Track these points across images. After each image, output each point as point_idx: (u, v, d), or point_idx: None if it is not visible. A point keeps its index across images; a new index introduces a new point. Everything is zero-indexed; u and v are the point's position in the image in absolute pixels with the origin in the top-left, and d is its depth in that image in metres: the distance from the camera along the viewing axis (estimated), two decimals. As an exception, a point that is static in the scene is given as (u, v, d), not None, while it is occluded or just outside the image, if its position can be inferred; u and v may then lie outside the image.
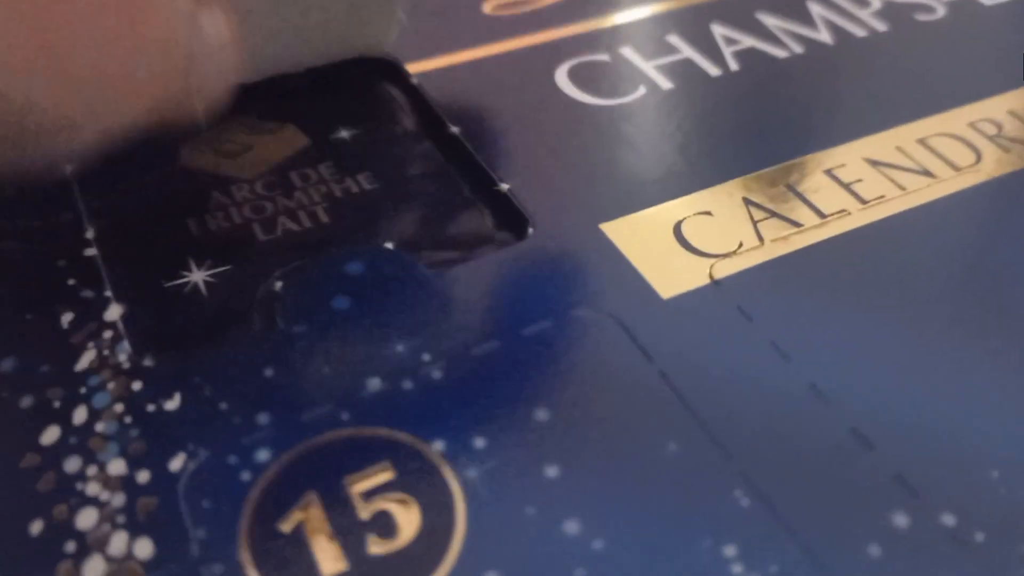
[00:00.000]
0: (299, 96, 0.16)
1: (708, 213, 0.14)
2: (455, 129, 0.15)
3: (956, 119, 0.16)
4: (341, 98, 0.16)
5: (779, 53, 0.17)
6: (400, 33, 0.16)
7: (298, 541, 0.10)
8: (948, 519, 0.10)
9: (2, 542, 0.10)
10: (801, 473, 0.10)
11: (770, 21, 0.18)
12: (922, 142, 0.15)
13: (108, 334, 0.12)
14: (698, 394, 0.11)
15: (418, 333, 0.12)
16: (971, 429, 0.11)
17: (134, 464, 0.11)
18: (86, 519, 0.10)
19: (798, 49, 0.17)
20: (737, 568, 0.10)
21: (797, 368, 0.11)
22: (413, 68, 0.16)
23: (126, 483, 0.10)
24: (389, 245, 0.13)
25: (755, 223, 0.13)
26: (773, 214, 0.14)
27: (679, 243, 0.13)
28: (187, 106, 0.12)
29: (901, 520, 0.10)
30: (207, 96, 0.12)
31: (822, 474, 0.10)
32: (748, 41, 0.17)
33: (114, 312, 0.12)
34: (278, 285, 0.12)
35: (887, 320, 0.12)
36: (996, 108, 0.16)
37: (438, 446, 0.11)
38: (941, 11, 0.18)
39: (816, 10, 0.18)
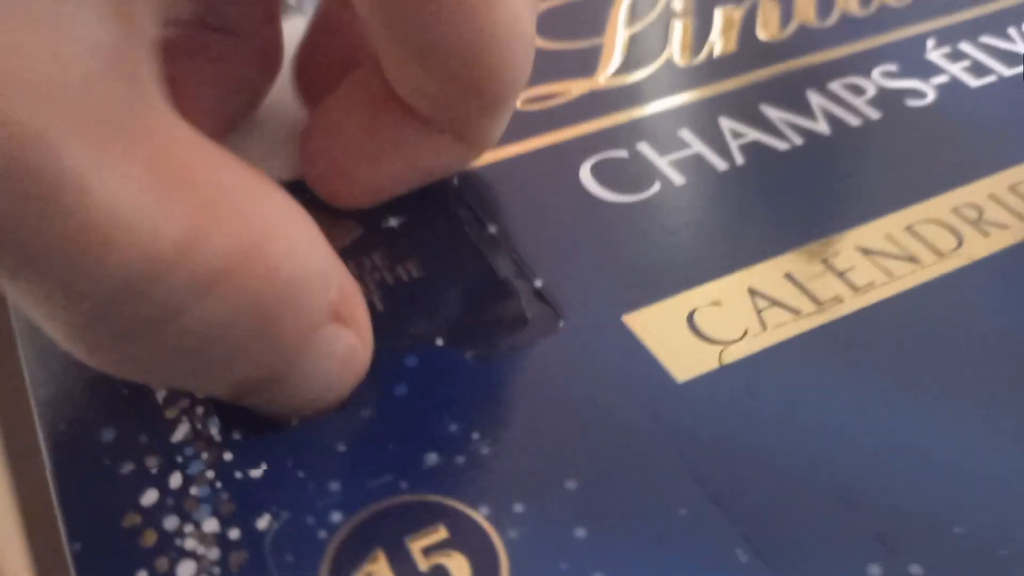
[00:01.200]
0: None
1: (718, 303, 0.15)
2: (492, 229, 0.17)
3: (941, 205, 0.18)
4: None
5: (780, 145, 0.19)
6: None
7: (369, 592, 0.12)
8: (916, 569, 0.12)
9: (114, 591, 0.12)
10: (793, 532, 0.12)
11: (772, 113, 0.20)
12: (910, 229, 0.17)
13: (200, 410, 0.14)
14: (706, 466, 0.13)
15: (468, 415, 0.14)
16: (942, 488, 0.13)
17: (226, 523, 0.12)
18: (185, 570, 0.12)
19: (798, 141, 0.19)
20: (739, 617, 0.11)
21: (794, 439, 0.13)
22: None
23: (219, 539, 0.12)
24: (440, 342, 0.15)
25: (759, 312, 0.15)
26: (774, 303, 0.15)
27: (692, 331, 0.15)
28: None
29: (876, 571, 0.12)
30: None
31: (811, 532, 0.12)
32: (753, 134, 0.19)
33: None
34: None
35: (873, 391, 0.14)
36: (978, 193, 0.18)
37: (483, 511, 0.12)
38: (931, 95, 0.20)
39: (815, 100, 0.20)
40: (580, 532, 0.12)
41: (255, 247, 0.11)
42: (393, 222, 0.17)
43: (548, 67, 0.21)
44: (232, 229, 0.10)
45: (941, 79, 0.21)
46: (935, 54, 0.22)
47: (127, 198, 0.10)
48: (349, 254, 0.17)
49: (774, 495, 0.13)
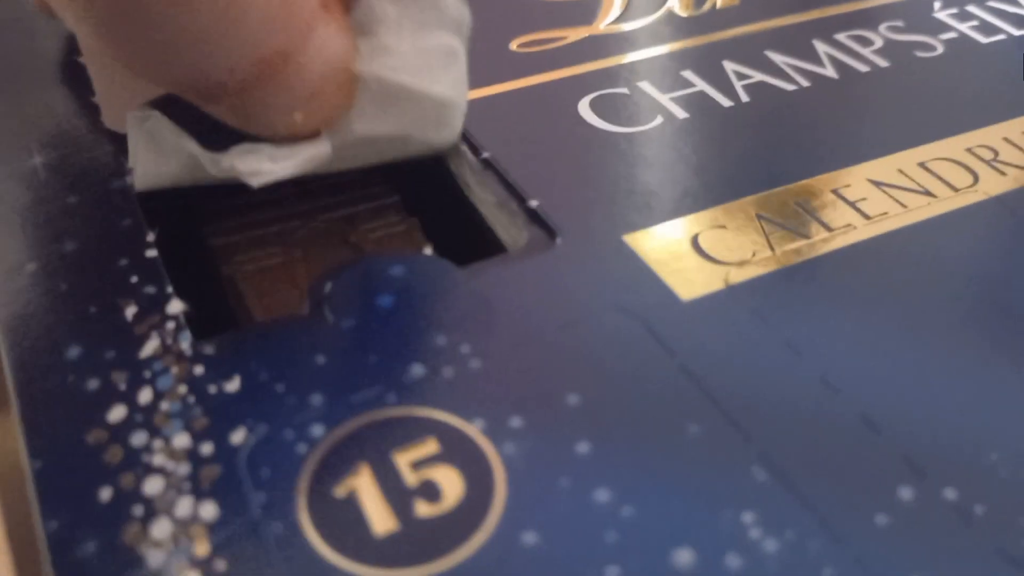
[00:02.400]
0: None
1: (723, 227, 0.15)
2: (486, 154, 0.16)
3: (955, 145, 0.17)
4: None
5: (787, 86, 0.18)
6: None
7: (352, 504, 0.11)
8: (950, 493, 0.11)
9: (72, 508, 0.11)
10: (814, 453, 0.11)
11: (778, 58, 0.19)
12: (922, 165, 0.16)
13: (170, 325, 0.13)
14: (716, 384, 0.12)
15: (457, 328, 0.13)
16: (970, 417, 0.12)
17: (198, 438, 0.11)
18: (153, 486, 0.11)
19: (805, 83, 0.18)
20: (755, 533, 0.10)
21: (808, 362, 0.12)
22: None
23: (191, 455, 0.11)
24: (427, 251, 0.14)
25: (767, 235, 0.14)
26: (784, 227, 0.15)
27: (696, 252, 0.14)
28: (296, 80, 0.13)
29: (907, 494, 0.11)
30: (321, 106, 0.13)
31: (834, 454, 0.11)
32: (758, 76, 0.18)
33: (176, 306, 0.13)
34: (327, 286, 0.13)
35: (892, 321, 0.13)
36: (993, 135, 0.17)
37: (478, 424, 0.11)
38: (940, 48, 0.20)
39: (822, 48, 0.20)
40: (583, 447, 0.11)
41: None
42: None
43: (545, 16, 0.20)
44: None
45: (950, 35, 0.21)
46: (942, 14, 0.22)
47: None
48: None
49: (791, 415, 0.12)
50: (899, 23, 0.21)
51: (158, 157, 0.14)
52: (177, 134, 0.14)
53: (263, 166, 0.13)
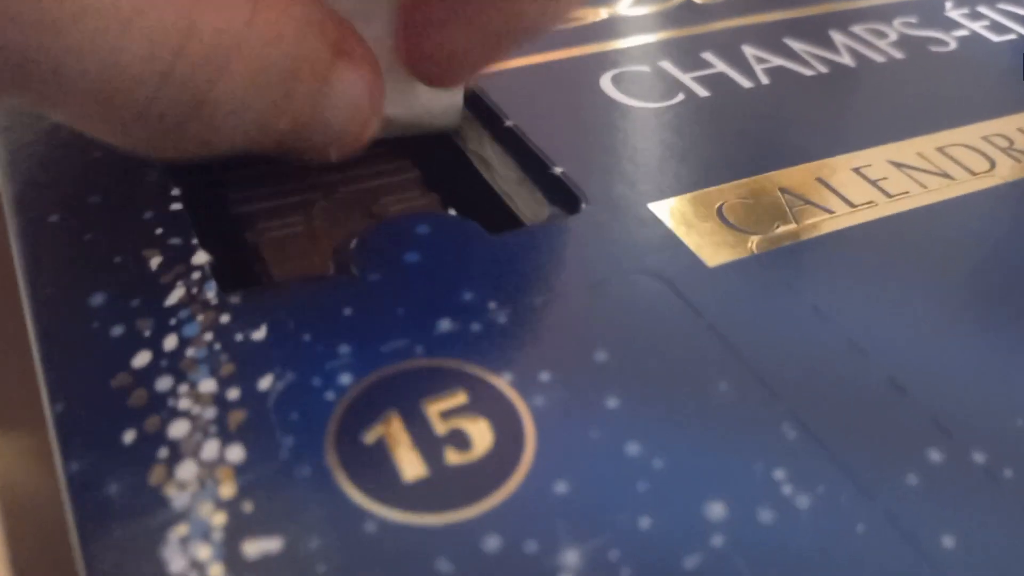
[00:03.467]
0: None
1: (747, 199, 0.15)
2: (510, 122, 0.16)
3: (971, 133, 0.17)
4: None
5: (806, 72, 0.18)
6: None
7: (381, 450, 0.11)
8: (979, 456, 0.11)
9: (96, 449, 0.11)
10: (844, 413, 0.11)
11: (796, 45, 0.19)
12: (941, 150, 0.16)
13: (196, 275, 0.13)
14: (745, 344, 0.12)
15: (484, 284, 0.13)
16: (997, 383, 0.12)
17: (224, 384, 0.11)
18: (178, 429, 0.11)
19: (823, 69, 0.18)
20: (787, 489, 0.10)
21: (835, 326, 0.12)
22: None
23: (217, 399, 0.11)
24: (452, 211, 0.14)
25: (791, 209, 0.14)
26: (807, 202, 0.15)
27: (722, 222, 0.14)
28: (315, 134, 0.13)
29: (936, 455, 0.11)
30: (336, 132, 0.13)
31: (863, 414, 0.11)
32: (777, 60, 0.18)
33: (201, 257, 0.13)
34: (353, 243, 0.13)
35: (916, 291, 0.13)
36: (1007, 126, 0.17)
37: (507, 377, 0.11)
38: (953, 44, 0.20)
39: (838, 39, 0.20)
40: (612, 402, 0.11)
41: (248, 27, 0.11)
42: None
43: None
44: (220, 18, 0.11)
45: (962, 32, 0.21)
46: (954, 13, 0.22)
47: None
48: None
49: (819, 375, 0.12)
50: (912, 19, 0.21)
51: None
52: None
53: None
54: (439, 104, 0.15)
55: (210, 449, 0.11)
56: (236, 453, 0.11)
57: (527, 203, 0.15)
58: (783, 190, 0.15)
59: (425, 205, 0.16)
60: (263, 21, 0.11)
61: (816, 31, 0.20)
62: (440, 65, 0.14)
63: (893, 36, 0.20)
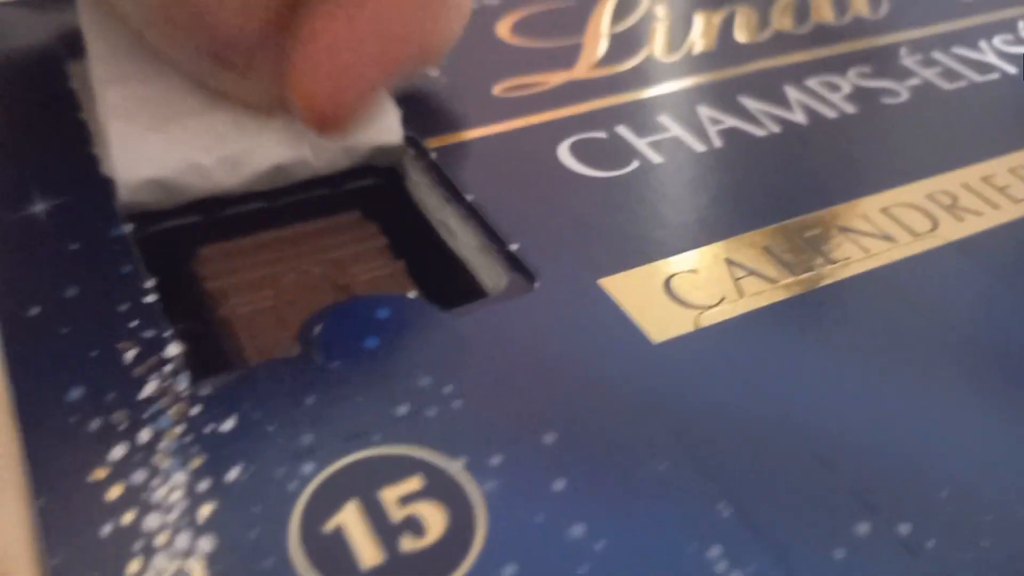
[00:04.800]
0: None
1: (694, 271, 0.15)
2: (469, 197, 0.17)
3: (916, 191, 0.18)
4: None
5: (758, 132, 0.19)
6: (416, 115, 0.18)
7: (340, 539, 0.11)
8: (904, 528, 0.12)
9: (77, 543, 0.11)
10: (776, 490, 0.12)
11: (750, 104, 0.20)
12: (885, 211, 0.17)
13: (168, 367, 0.13)
14: (684, 424, 0.13)
15: (440, 368, 0.13)
16: (923, 453, 0.13)
17: (195, 476, 0.12)
18: (152, 522, 0.12)
19: (775, 128, 0.19)
20: (720, 567, 0.11)
21: (771, 401, 0.13)
22: (431, 144, 0.18)
23: (188, 490, 0.12)
24: (412, 294, 0.15)
25: (736, 280, 0.15)
26: (751, 272, 0.15)
27: (668, 296, 0.15)
28: None
29: (863, 528, 0.12)
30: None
31: (794, 491, 0.12)
32: (731, 121, 0.19)
33: (173, 349, 0.14)
34: (316, 328, 0.14)
35: (849, 359, 0.14)
36: (951, 181, 0.18)
37: (460, 462, 0.12)
38: (905, 95, 0.21)
39: (792, 95, 0.20)
40: (559, 484, 0.12)
41: None
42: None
43: (525, 62, 0.21)
44: None
45: (914, 81, 0.22)
46: (909, 60, 0.22)
47: None
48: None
49: (753, 454, 0.12)
50: (867, 69, 0.22)
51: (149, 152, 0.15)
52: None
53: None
54: (374, 124, 0.17)
55: (182, 541, 0.11)
56: (207, 544, 0.11)
57: (487, 272, 0.16)
58: (729, 261, 0.16)
59: (392, 273, 0.17)
60: None
61: (771, 87, 0.21)
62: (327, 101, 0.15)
63: (847, 88, 0.21)
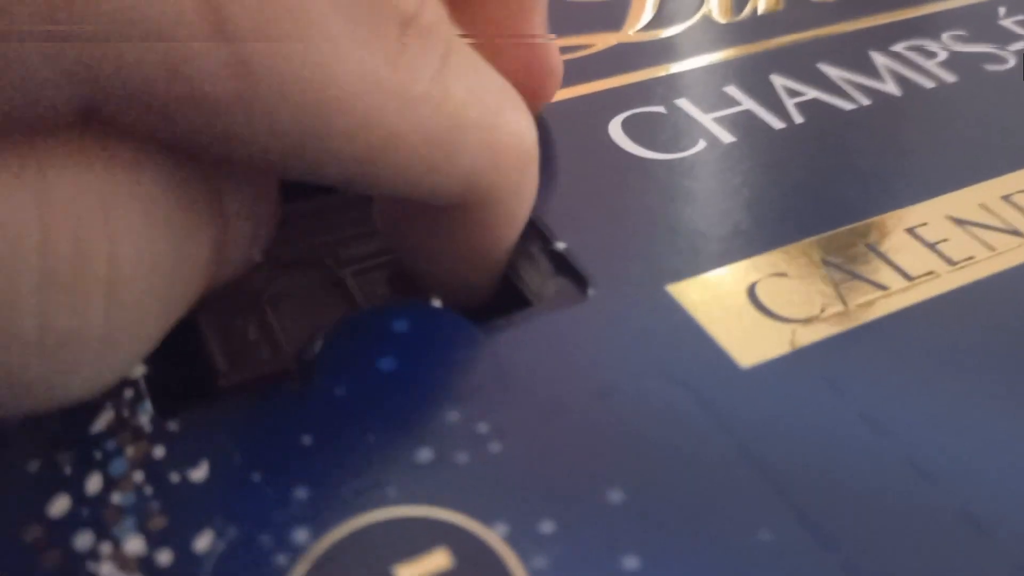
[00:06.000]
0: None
1: (784, 275, 0.12)
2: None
3: (1040, 177, 0.15)
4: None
5: (845, 105, 0.16)
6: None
7: (341, 638, 0.09)
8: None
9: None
10: (912, 562, 0.09)
11: (833, 72, 0.17)
12: (1007, 199, 0.14)
13: (129, 393, 0.11)
14: (786, 473, 0.10)
15: (472, 400, 0.10)
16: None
17: (154, 543, 0.09)
18: (97, 606, 0.09)
19: (865, 101, 0.16)
20: None
21: (894, 443, 0.10)
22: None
23: (144, 565, 0.09)
24: (437, 302, 0.12)
25: (837, 286, 0.12)
26: (855, 276, 0.12)
27: (754, 306, 0.12)
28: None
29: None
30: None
31: (936, 563, 0.09)
32: (811, 92, 0.16)
33: (136, 369, 0.11)
34: (318, 344, 0.11)
35: (991, 390, 0.11)
36: (1082, 166, 0.15)
37: (500, 529, 0.09)
38: (1011, 61, 0.18)
39: (880, 61, 0.17)
40: (631, 561, 0.09)
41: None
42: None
43: (570, 19, 0.18)
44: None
45: (1020, 45, 0.18)
46: (1008, 21, 0.19)
47: None
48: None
49: (883, 516, 0.10)
50: (962, 32, 0.19)
51: None
52: None
53: None
54: None
55: (133, 634, 0.09)
56: (164, 642, 0.09)
57: (529, 275, 0.13)
58: (826, 261, 0.13)
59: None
60: None
61: (853, 52, 0.18)
62: None
63: (942, 55, 0.18)
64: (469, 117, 0.10)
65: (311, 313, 0.13)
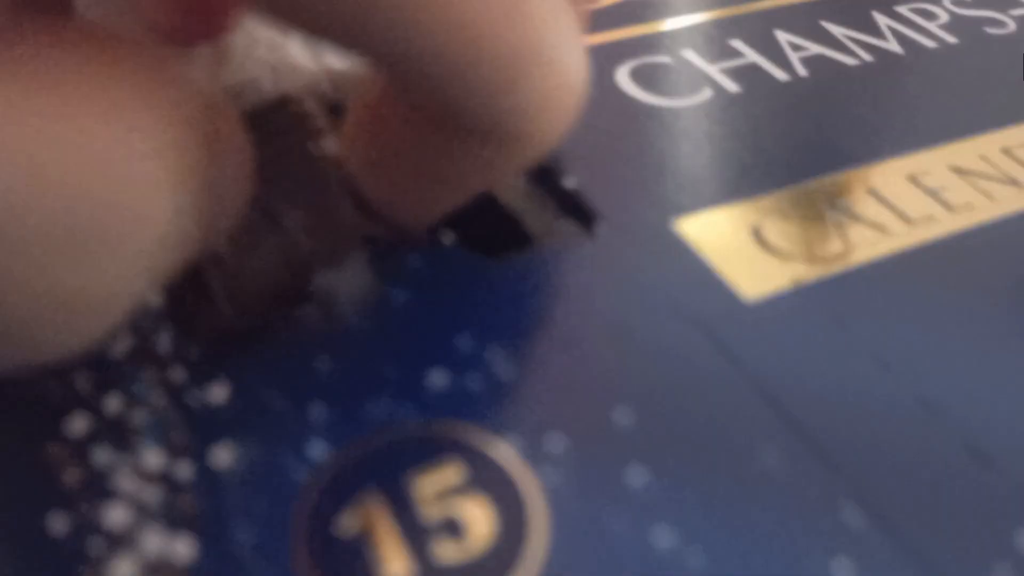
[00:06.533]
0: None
1: (788, 216, 0.13)
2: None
3: (1039, 130, 0.15)
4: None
5: (848, 60, 0.16)
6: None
7: (358, 545, 0.09)
8: (1081, 541, 0.09)
9: (20, 540, 0.09)
10: (916, 489, 0.09)
11: (836, 29, 0.17)
12: (1007, 152, 0.14)
13: (146, 320, 0.11)
14: (794, 401, 0.10)
15: (484, 327, 0.11)
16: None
17: (174, 457, 0.09)
18: (116, 516, 0.09)
19: (867, 57, 0.16)
20: (851, 588, 0.09)
21: (901, 379, 0.10)
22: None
23: (164, 479, 0.09)
24: (448, 241, 0.12)
25: (838, 227, 0.12)
26: (856, 218, 0.13)
27: (758, 244, 0.12)
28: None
29: (1028, 540, 0.09)
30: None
31: (939, 491, 0.09)
32: (815, 48, 0.16)
33: (153, 297, 0.11)
34: (332, 276, 0.11)
35: (989, 329, 0.11)
36: (1080, 121, 0.15)
37: (511, 445, 0.10)
38: (1012, 25, 0.18)
39: (882, 21, 0.18)
40: (638, 476, 0.09)
41: None
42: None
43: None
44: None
45: (1020, 11, 0.19)
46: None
47: None
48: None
49: (886, 443, 0.10)
50: (962, -4, 0.19)
51: None
52: None
53: None
54: None
55: (152, 543, 0.09)
56: (184, 550, 0.09)
57: (536, 213, 0.13)
58: (829, 204, 0.13)
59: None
60: None
61: (856, 12, 0.18)
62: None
63: (944, 17, 0.18)
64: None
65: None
